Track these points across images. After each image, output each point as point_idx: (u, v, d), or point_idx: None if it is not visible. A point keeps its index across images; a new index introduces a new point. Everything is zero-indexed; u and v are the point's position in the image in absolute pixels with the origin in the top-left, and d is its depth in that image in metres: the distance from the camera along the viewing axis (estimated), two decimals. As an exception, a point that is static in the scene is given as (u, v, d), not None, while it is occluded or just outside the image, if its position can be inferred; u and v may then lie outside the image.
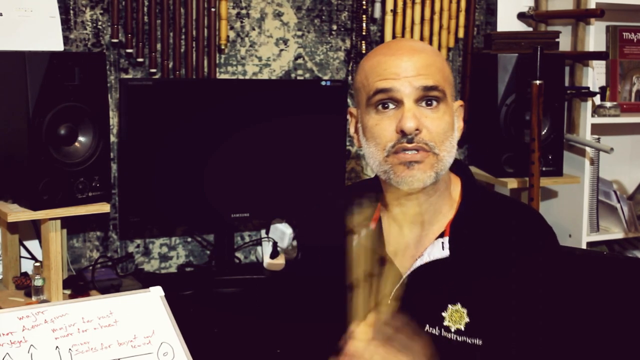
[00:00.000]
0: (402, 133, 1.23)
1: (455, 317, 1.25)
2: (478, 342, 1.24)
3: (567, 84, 2.67)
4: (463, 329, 1.24)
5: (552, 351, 1.26)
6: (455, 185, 1.36)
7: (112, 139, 2.31)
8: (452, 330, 1.24)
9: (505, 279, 1.24)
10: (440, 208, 1.32)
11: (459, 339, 1.24)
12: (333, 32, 2.62)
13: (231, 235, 2.44)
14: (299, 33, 2.57)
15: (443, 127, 1.25)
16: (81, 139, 1.96)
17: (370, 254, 1.35)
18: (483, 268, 1.25)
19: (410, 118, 1.22)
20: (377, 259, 1.34)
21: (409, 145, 1.23)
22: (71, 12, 2.26)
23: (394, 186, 1.27)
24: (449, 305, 1.25)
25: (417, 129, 1.23)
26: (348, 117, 1.40)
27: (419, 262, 1.29)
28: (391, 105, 1.25)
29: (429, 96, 1.25)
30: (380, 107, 1.26)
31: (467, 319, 1.24)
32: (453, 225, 1.30)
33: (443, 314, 1.25)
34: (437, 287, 1.22)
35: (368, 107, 1.28)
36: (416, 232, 1.33)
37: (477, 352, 1.24)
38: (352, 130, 1.38)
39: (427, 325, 1.27)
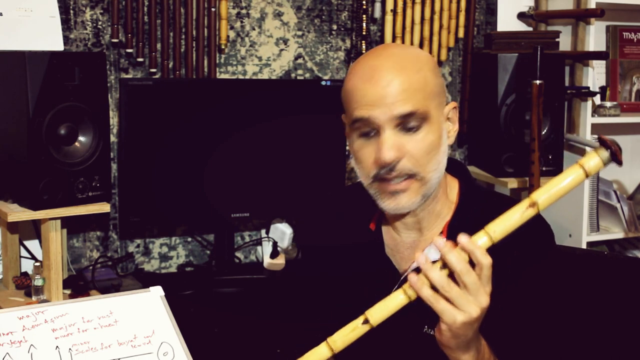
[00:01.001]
0: (381, 164, 1.21)
1: None
2: None
3: (567, 83, 2.67)
4: None
5: (552, 352, 1.26)
6: (453, 188, 1.35)
7: (112, 139, 2.31)
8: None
9: (503, 280, 1.24)
10: (438, 212, 1.32)
11: None
12: (333, 32, 2.62)
13: (231, 235, 2.44)
14: (299, 33, 2.57)
15: (426, 149, 1.22)
16: (81, 138, 1.96)
17: (369, 256, 1.35)
18: None
19: (388, 149, 1.19)
20: (376, 261, 1.34)
21: (390, 176, 1.21)
22: (71, 12, 2.26)
23: None
24: None
25: (396, 158, 1.20)
26: (342, 120, 1.38)
27: (417, 264, 1.29)
28: (372, 132, 1.23)
29: (407, 122, 1.21)
30: (362, 133, 1.24)
31: None
32: (450, 227, 1.30)
33: None
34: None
35: (352, 130, 1.26)
36: (414, 235, 1.34)
37: None
38: (347, 137, 1.37)
39: (426, 327, 1.27)
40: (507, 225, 1.08)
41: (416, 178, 1.23)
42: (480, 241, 1.08)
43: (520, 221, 1.08)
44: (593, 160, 1.06)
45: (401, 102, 1.20)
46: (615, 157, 1.05)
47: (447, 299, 1.07)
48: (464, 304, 1.07)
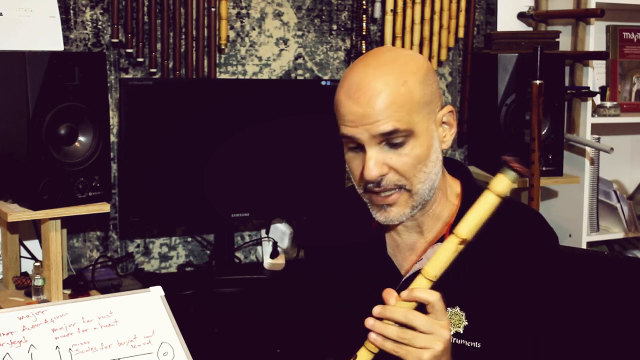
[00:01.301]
0: (367, 181, 1.22)
1: (454, 320, 1.25)
2: (477, 345, 1.24)
3: (567, 83, 2.67)
4: (462, 331, 1.24)
5: (552, 353, 1.26)
6: (454, 190, 1.35)
7: (112, 139, 2.31)
8: (451, 333, 1.24)
9: (504, 283, 1.24)
10: (439, 215, 1.31)
11: (458, 342, 1.24)
12: (333, 32, 2.62)
13: (231, 235, 2.44)
14: (299, 33, 2.57)
15: (412, 163, 1.22)
16: (81, 138, 1.96)
17: (371, 256, 1.36)
18: (482, 271, 1.25)
19: (372, 167, 1.20)
20: (378, 261, 1.34)
21: (377, 189, 1.22)
22: (71, 12, 2.26)
23: None
24: (448, 309, 1.25)
25: (381, 175, 1.21)
26: None
27: (418, 265, 1.29)
28: (358, 147, 1.24)
29: (390, 139, 1.21)
30: (350, 147, 1.26)
31: (465, 322, 1.25)
32: (452, 229, 1.30)
33: None
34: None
35: (343, 142, 1.28)
36: (414, 236, 1.33)
37: (476, 355, 1.24)
38: None
39: None
40: (442, 263, 1.14)
41: (405, 189, 1.23)
42: (420, 284, 1.14)
43: (453, 257, 1.14)
44: (501, 182, 1.12)
45: (383, 120, 1.19)
46: (520, 173, 1.11)
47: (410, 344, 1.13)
48: (424, 343, 1.12)
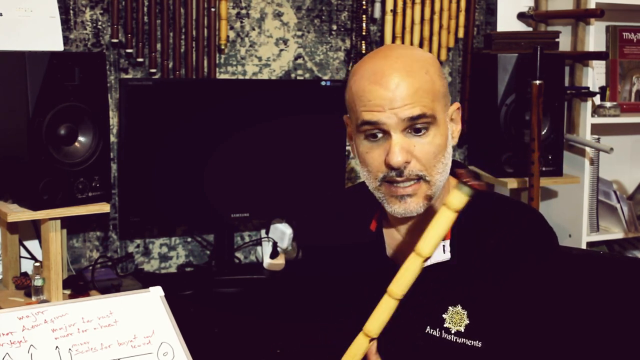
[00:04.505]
0: (391, 167, 1.21)
1: (456, 318, 1.25)
2: (478, 344, 1.24)
3: (567, 84, 2.67)
4: (463, 330, 1.24)
5: (552, 353, 1.26)
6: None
7: (112, 139, 2.31)
8: (452, 332, 1.25)
9: (506, 282, 1.24)
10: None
11: (459, 340, 1.25)
12: (333, 32, 2.62)
13: (231, 235, 2.44)
14: (299, 33, 2.57)
15: (433, 152, 1.23)
16: (81, 139, 1.96)
17: (370, 257, 1.35)
18: (484, 271, 1.25)
19: (397, 152, 1.20)
20: (377, 262, 1.34)
21: (399, 179, 1.22)
22: (71, 12, 2.26)
23: None
24: (450, 307, 1.25)
25: (406, 162, 1.21)
26: (345, 121, 1.38)
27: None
28: (380, 134, 1.23)
29: (416, 124, 1.21)
30: (369, 136, 1.24)
31: (467, 321, 1.25)
32: (454, 228, 1.30)
33: (443, 315, 1.25)
34: (437, 289, 1.22)
35: (358, 132, 1.25)
36: (417, 236, 1.33)
37: (477, 354, 1.24)
38: (348, 139, 1.35)
39: (428, 327, 1.27)
40: (407, 281, 1.13)
41: (424, 180, 1.23)
42: (387, 305, 1.14)
43: (416, 275, 1.12)
44: (457, 198, 1.11)
45: (410, 105, 1.20)
46: (474, 188, 1.10)
47: None
48: None
